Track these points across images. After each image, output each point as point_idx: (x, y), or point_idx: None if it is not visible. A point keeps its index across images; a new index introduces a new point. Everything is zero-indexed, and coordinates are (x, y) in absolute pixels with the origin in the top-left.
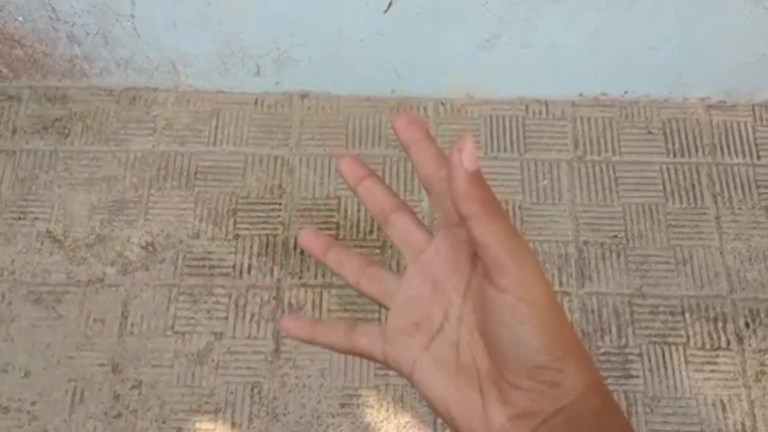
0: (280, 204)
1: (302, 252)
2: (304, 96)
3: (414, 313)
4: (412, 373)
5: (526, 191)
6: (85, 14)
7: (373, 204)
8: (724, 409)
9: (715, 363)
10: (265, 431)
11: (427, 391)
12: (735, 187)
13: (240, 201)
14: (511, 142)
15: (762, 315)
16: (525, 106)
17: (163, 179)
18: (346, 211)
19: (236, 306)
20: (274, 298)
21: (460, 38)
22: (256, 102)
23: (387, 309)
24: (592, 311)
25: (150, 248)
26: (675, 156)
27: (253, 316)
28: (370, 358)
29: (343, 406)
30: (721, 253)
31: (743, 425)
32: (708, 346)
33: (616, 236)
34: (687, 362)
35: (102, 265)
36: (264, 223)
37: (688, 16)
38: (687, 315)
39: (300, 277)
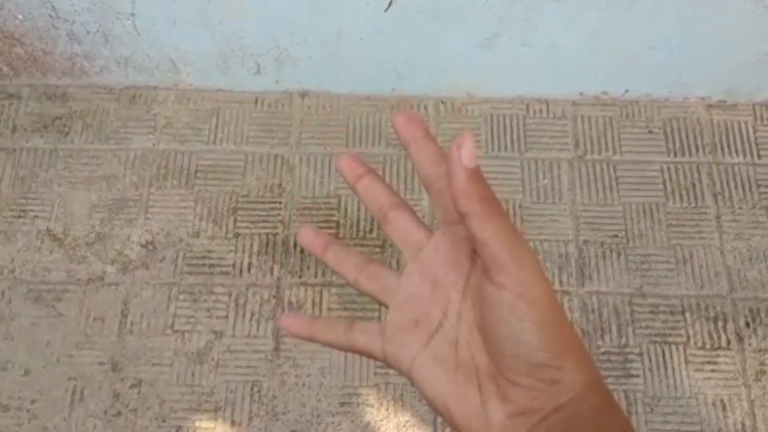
0: (280, 203)
1: (302, 251)
2: (304, 95)
3: (413, 311)
4: (411, 371)
5: (526, 190)
6: (85, 12)
7: (372, 202)
8: (724, 409)
9: (715, 362)
10: (265, 430)
11: (426, 389)
12: (735, 187)
13: (240, 200)
14: (512, 141)
15: (762, 314)
16: (525, 105)
17: (163, 178)
18: (346, 209)
19: (236, 305)
20: (274, 296)
21: (461, 37)
22: (256, 101)
23: (386, 307)
24: (593, 310)
25: (150, 247)
26: (675, 155)
27: (253, 314)
28: (369, 355)
29: (342, 404)
30: (721, 252)
31: (743, 425)
32: (708, 346)
33: (616, 235)
34: (687, 362)
35: (102, 264)
36: (264, 221)
37: (688, 16)
38: (687, 314)
39: (300, 276)
